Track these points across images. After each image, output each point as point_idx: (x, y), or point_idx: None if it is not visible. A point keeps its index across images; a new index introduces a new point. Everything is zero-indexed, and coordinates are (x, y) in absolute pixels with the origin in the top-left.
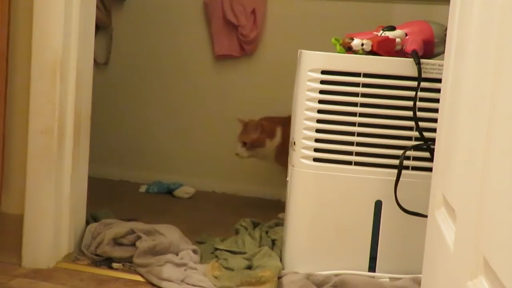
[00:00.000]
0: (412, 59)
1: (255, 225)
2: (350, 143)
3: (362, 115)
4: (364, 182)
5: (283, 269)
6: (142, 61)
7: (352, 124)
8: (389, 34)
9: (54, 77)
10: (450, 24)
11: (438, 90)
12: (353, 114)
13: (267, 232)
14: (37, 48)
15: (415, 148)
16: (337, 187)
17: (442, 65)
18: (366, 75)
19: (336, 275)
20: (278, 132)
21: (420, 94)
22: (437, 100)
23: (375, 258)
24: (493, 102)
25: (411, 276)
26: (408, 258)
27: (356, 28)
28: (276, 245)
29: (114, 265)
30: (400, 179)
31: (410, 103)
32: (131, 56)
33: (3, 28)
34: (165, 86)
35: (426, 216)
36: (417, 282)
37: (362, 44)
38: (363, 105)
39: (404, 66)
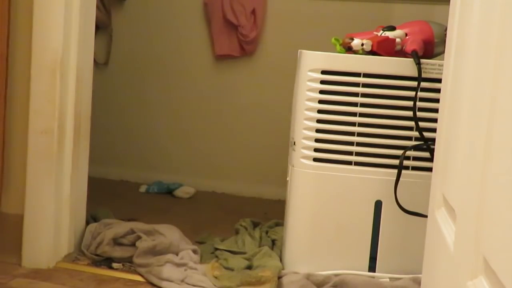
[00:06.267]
0: (412, 59)
1: (255, 225)
2: (350, 143)
3: (362, 115)
4: (364, 182)
5: (283, 269)
6: (142, 61)
7: (352, 124)
8: (389, 34)
9: (54, 77)
10: (450, 24)
11: (438, 90)
12: (353, 114)
13: (267, 232)
14: (37, 48)
15: (415, 148)
16: (337, 187)
17: (442, 65)
18: (366, 75)
19: (336, 275)
20: None
21: (420, 94)
22: (437, 100)
23: (375, 258)
24: (493, 101)
25: (411, 276)
26: (408, 258)
27: (356, 28)
28: (276, 245)
29: (114, 265)
30: (400, 179)
31: (410, 103)
32: (131, 56)
33: (3, 28)
34: (165, 86)
35: (426, 216)
36: (417, 282)
37: (362, 44)
38: (363, 105)
39: (404, 66)
